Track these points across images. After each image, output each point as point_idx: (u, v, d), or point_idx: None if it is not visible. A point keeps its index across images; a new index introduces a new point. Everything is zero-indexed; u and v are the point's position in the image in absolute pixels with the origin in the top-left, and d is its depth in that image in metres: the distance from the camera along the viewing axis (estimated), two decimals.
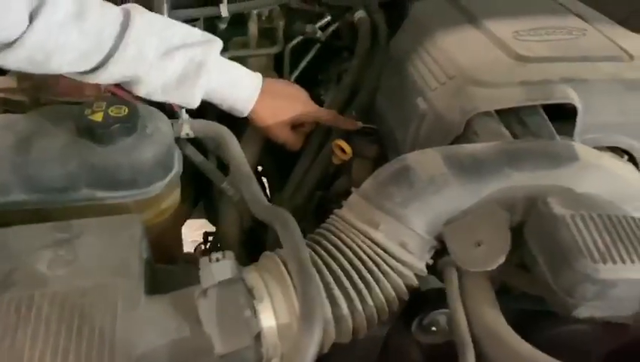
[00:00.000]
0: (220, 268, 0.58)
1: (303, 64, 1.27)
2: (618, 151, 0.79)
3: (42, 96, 0.79)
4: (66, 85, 0.78)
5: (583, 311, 0.59)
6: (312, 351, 0.51)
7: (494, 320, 0.61)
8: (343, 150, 0.90)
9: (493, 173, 0.65)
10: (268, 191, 1.15)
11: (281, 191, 0.98)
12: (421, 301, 0.73)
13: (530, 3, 1.01)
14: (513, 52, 0.81)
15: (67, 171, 0.67)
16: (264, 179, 1.21)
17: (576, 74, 0.77)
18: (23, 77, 0.78)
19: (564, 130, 0.78)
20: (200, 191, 1.06)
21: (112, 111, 0.68)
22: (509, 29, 0.88)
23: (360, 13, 1.14)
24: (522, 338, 0.70)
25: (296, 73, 1.29)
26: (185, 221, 0.92)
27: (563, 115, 0.78)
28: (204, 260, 0.59)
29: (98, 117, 0.67)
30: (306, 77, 1.30)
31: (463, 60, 0.82)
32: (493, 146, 0.68)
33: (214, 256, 0.60)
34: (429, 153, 0.68)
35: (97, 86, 0.78)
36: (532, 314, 0.72)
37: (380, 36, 1.11)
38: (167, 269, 0.73)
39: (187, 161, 0.85)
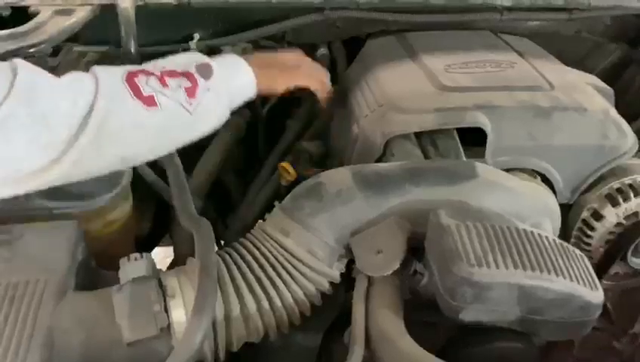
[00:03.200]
0: (136, 266, 0.65)
1: (274, 98, 1.36)
2: (532, 172, 0.84)
3: None
4: None
5: (468, 314, 0.64)
6: (198, 337, 0.57)
7: (388, 322, 0.66)
8: (288, 172, 0.97)
9: (395, 188, 0.71)
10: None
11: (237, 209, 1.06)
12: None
13: (473, 40, 1.09)
14: (439, 83, 0.89)
15: None
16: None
17: (490, 101, 0.84)
18: None
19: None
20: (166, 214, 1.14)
21: None
22: (443, 62, 0.96)
23: (322, 50, 1.23)
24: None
25: (268, 105, 1.38)
26: (135, 232, 0.99)
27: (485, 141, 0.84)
28: (123, 260, 0.67)
29: None
30: (280, 109, 1.39)
31: (392, 90, 0.90)
32: (398, 165, 0.74)
33: (133, 256, 0.67)
34: (341, 171, 0.75)
35: None
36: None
37: (339, 71, 1.20)
38: (112, 275, 0.80)
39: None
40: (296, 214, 0.72)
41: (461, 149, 0.81)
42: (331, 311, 0.82)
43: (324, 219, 0.71)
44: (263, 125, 1.40)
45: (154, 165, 0.95)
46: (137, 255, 0.67)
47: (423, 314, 0.73)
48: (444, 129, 0.82)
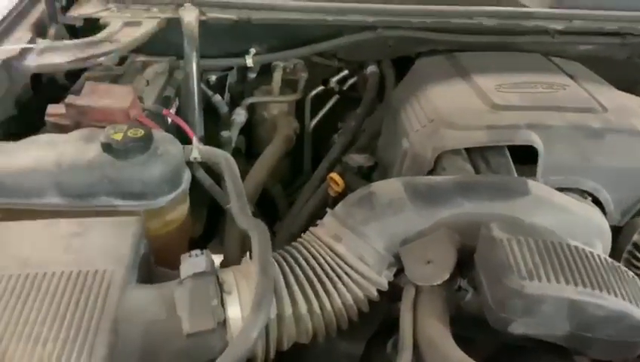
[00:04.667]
0: (196, 262, 0.69)
1: (322, 112, 1.40)
2: (582, 193, 0.84)
3: (83, 120, 0.95)
4: (100, 113, 0.94)
5: (517, 327, 0.64)
6: (254, 333, 0.60)
7: (436, 330, 0.67)
8: (337, 183, 1.00)
9: (447, 201, 0.73)
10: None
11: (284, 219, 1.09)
12: (395, 323, 0.80)
13: (523, 62, 1.10)
14: (490, 101, 0.91)
15: (90, 181, 0.81)
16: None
17: (542, 121, 0.85)
18: (69, 105, 0.95)
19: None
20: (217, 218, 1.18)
21: (130, 132, 0.82)
22: (494, 82, 0.98)
23: (371, 68, 1.27)
24: None
25: (316, 120, 1.42)
26: (191, 234, 1.03)
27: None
28: (184, 256, 0.70)
29: (118, 136, 0.81)
30: (327, 124, 1.43)
31: (444, 107, 0.92)
32: (450, 178, 0.76)
33: (193, 252, 0.70)
34: (392, 181, 0.77)
35: (126, 113, 0.93)
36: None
37: (387, 88, 1.23)
38: (166, 272, 0.83)
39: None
40: (348, 221, 0.74)
41: (513, 166, 0.82)
42: (376, 320, 0.84)
43: (375, 227, 0.73)
44: (309, 138, 1.44)
45: (210, 171, 0.99)
46: (198, 251, 0.70)
47: (464, 330, 0.74)
48: (496, 146, 0.84)
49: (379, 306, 0.78)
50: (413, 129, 0.93)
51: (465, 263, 0.73)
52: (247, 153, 1.37)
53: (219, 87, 1.35)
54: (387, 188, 0.76)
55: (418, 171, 0.86)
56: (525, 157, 0.86)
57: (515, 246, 0.65)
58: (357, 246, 0.72)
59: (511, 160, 0.83)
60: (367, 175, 1.02)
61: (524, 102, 0.91)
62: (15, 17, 1.07)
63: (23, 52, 1.01)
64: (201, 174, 0.96)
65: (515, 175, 0.81)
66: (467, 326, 0.73)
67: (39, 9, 1.13)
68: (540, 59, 1.13)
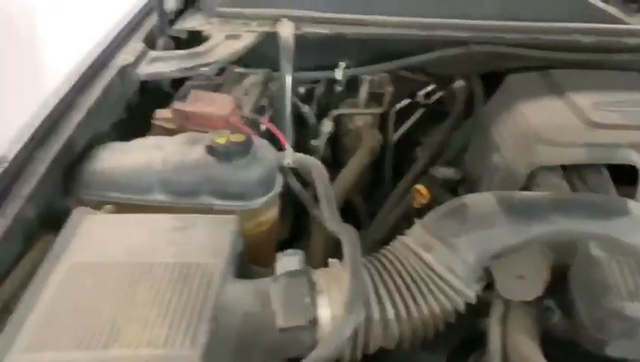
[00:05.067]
0: (291, 261, 0.72)
1: (406, 125, 1.42)
2: None
3: (186, 125, 1.02)
4: (203, 118, 1.01)
5: (614, 350, 0.63)
6: (347, 332, 0.62)
7: (527, 347, 0.67)
8: (422, 195, 1.01)
9: (541, 218, 0.72)
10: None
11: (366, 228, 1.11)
12: (480, 338, 0.79)
13: (621, 80, 1.06)
14: (587, 118, 0.89)
15: (193, 180, 0.87)
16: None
17: None
18: (176, 110, 1.03)
19: None
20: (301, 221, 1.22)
21: (233, 137, 0.88)
22: (591, 100, 0.95)
23: (459, 83, 1.27)
24: None
25: (399, 133, 1.44)
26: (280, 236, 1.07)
27: None
28: (279, 254, 0.74)
29: (222, 140, 0.87)
30: (410, 137, 1.44)
31: (538, 122, 0.91)
32: (545, 195, 0.75)
33: (288, 251, 0.74)
34: (486, 195, 0.77)
35: (226, 120, 0.99)
36: None
37: (476, 103, 1.22)
38: (257, 270, 0.88)
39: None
40: (438, 232, 0.75)
41: (613, 186, 0.80)
42: (459, 333, 0.83)
43: (466, 240, 0.73)
44: (391, 151, 1.46)
45: (299, 177, 1.03)
46: (292, 251, 0.74)
47: (551, 353, 0.72)
48: (593, 164, 0.82)
49: (463, 319, 0.78)
50: (506, 144, 0.93)
51: (554, 282, 0.71)
52: (333, 162, 1.40)
53: (307, 98, 1.40)
54: (480, 201, 0.76)
55: (510, 186, 0.86)
56: (624, 177, 0.83)
57: (614, 265, 0.63)
58: (446, 257, 0.73)
59: (610, 179, 0.81)
60: (454, 188, 1.02)
61: (623, 120, 0.88)
62: (130, 30, 1.17)
63: (136, 61, 1.11)
64: (292, 180, 1.00)
65: (616, 194, 0.79)
66: (554, 349, 0.72)
67: (150, 22, 1.23)
68: (639, 78, 1.09)
